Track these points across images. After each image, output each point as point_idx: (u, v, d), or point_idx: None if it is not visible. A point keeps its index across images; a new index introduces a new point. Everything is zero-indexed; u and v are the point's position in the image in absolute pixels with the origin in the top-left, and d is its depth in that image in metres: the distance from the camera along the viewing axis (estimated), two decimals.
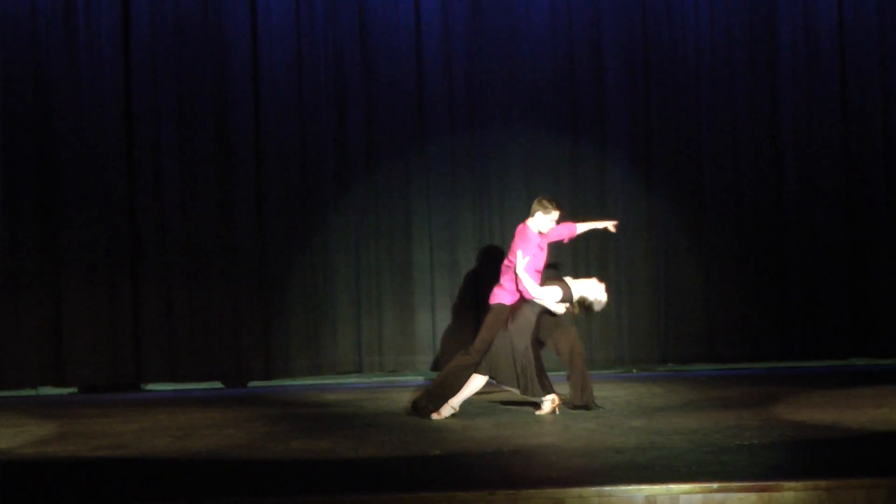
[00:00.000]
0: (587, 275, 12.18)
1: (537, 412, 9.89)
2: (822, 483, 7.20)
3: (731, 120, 12.55)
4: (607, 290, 9.98)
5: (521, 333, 9.72)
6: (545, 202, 9.91)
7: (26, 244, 11.95)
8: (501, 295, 9.97)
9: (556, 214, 9.93)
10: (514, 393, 9.85)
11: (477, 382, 9.83)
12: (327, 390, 11.91)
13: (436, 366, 12.32)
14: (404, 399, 11.11)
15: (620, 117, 12.50)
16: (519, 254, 9.74)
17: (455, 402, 9.85)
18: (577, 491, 7.17)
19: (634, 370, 12.56)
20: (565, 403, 10.06)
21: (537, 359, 9.78)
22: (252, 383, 12.28)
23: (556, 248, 11.96)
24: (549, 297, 9.76)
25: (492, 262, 12.11)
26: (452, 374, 9.98)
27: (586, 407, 10.04)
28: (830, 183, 12.54)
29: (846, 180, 12.56)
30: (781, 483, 7.20)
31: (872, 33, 12.54)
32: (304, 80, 12.27)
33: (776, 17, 12.55)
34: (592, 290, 9.90)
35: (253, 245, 12.17)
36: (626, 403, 10.56)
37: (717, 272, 12.49)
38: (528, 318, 9.76)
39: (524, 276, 9.70)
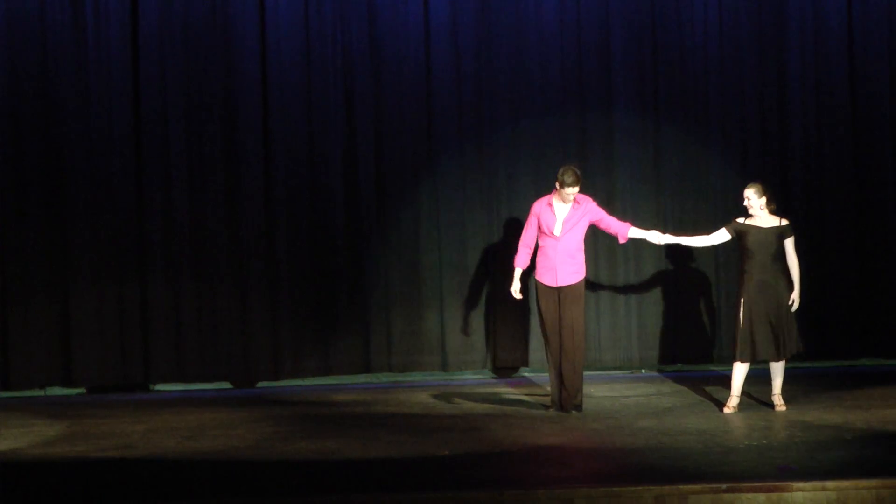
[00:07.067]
0: (597, 275, 12.23)
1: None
2: (831, 483, 7.21)
3: (740, 119, 12.53)
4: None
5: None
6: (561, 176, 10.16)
7: (34, 245, 11.94)
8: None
9: (567, 190, 10.10)
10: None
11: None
12: (336, 390, 11.91)
13: (444, 366, 12.32)
14: (413, 399, 11.12)
15: (629, 117, 12.48)
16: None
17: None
18: (585, 491, 7.18)
19: (643, 370, 12.55)
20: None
21: None
22: (260, 384, 12.28)
23: None
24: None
25: (501, 262, 12.11)
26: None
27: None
28: (839, 182, 12.51)
29: (855, 179, 12.53)
30: (790, 483, 7.21)
31: (882, 31, 12.51)
32: (313, 80, 12.25)
33: (785, 16, 12.52)
34: None
35: (261, 245, 12.17)
36: (634, 404, 10.56)
37: (725, 272, 12.46)
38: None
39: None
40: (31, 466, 8.40)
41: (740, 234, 10.07)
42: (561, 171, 10.18)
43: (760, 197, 10.04)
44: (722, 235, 10.24)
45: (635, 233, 10.45)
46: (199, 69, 12.16)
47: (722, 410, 9.99)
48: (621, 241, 10.61)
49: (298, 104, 12.24)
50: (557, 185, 10.16)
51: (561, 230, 10.13)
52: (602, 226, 10.47)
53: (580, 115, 12.47)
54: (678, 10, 12.52)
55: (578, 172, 10.18)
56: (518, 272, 10.31)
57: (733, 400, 10.02)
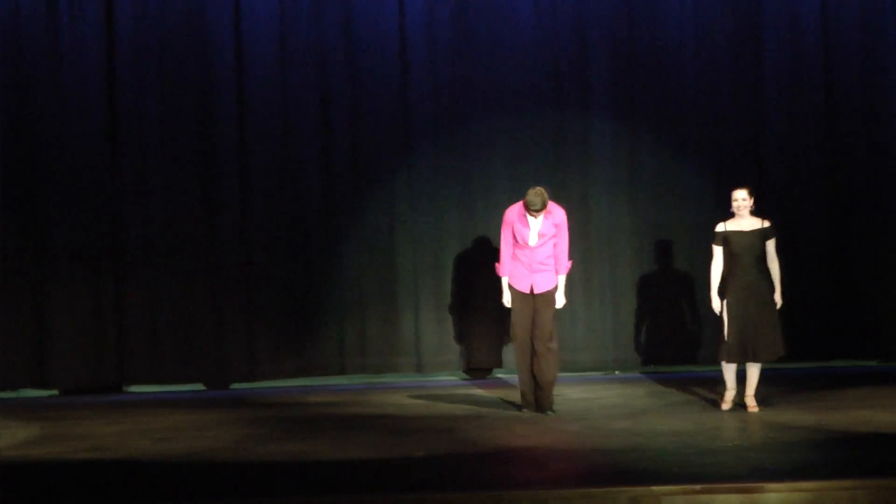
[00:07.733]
0: (573, 276, 12.21)
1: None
2: (805, 484, 7.21)
3: (716, 123, 12.56)
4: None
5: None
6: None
7: (9, 246, 11.90)
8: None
9: (534, 214, 9.99)
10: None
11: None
12: (311, 392, 11.89)
13: (419, 367, 12.31)
14: (388, 401, 11.10)
15: (605, 119, 12.50)
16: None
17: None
18: (560, 493, 7.17)
19: (617, 372, 12.56)
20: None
21: None
22: (235, 385, 12.25)
23: None
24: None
25: (476, 263, 12.10)
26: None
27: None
28: (814, 185, 12.56)
29: (830, 182, 12.57)
30: (764, 484, 7.21)
31: (856, 33, 12.56)
32: (289, 82, 12.24)
33: (760, 18, 12.56)
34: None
35: (236, 246, 12.14)
36: (609, 405, 10.56)
37: (700, 275, 12.48)
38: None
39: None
40: (4, 469, 8.35)
41: (726, 241, 10.07)
42: (530, 193, 9.95)
43: (751, 199, 10.07)
44: (719, 254, 10.18)
45: (561, 281, 10.24)
46: (174, 71, 12.13)
47: (720, 407, 10.02)
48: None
49: (274, 104, 12.22)
50: (525, 205, 10.07)
51: (536, 241, 10.09)
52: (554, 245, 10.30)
53: (556, 117, 12.48)
54: (654, 12, 12.54)
55: (546, 195, 9.99)
56: (506, 281, 10.24)
57: (729, 394, 10.06)
